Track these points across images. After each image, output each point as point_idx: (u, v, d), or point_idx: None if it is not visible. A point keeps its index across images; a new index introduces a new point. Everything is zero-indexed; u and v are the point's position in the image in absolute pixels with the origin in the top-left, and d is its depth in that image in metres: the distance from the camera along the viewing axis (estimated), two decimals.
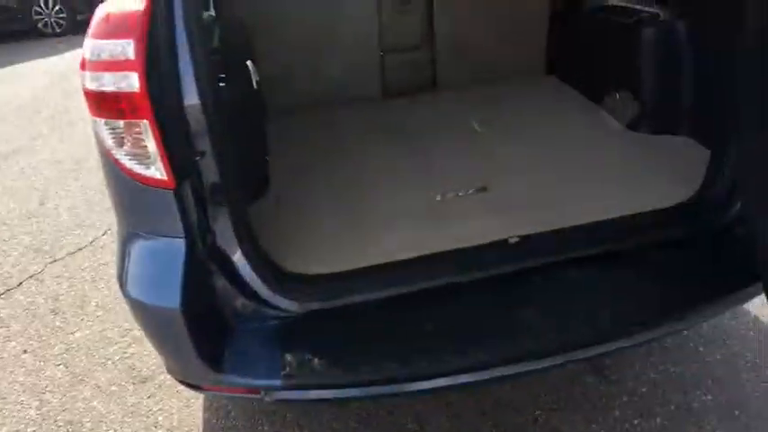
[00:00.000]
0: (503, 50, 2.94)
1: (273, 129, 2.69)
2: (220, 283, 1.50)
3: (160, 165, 1.29)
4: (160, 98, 1.26)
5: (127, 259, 1.44)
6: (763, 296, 1.64)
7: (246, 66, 2.61)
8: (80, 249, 3.31)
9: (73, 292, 2.93)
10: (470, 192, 2.05)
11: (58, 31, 9.49)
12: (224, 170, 1.44)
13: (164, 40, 1.27)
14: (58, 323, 2.72)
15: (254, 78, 2.74)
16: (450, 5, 2.83)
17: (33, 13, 9.49)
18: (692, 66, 2.14)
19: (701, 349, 2.34)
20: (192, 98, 1.35)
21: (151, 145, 1.27)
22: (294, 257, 1.74)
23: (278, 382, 1.41)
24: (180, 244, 1.37)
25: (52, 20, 9.55)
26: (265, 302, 1.55)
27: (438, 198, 2.03)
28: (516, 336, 1.51)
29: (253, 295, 1.54)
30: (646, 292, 1.65)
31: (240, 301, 1.53)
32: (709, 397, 2.12)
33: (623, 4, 2.45)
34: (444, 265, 1.68)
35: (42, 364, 2.48)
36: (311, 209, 2.05)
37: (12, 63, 7.98)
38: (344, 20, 2.76)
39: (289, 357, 1.46)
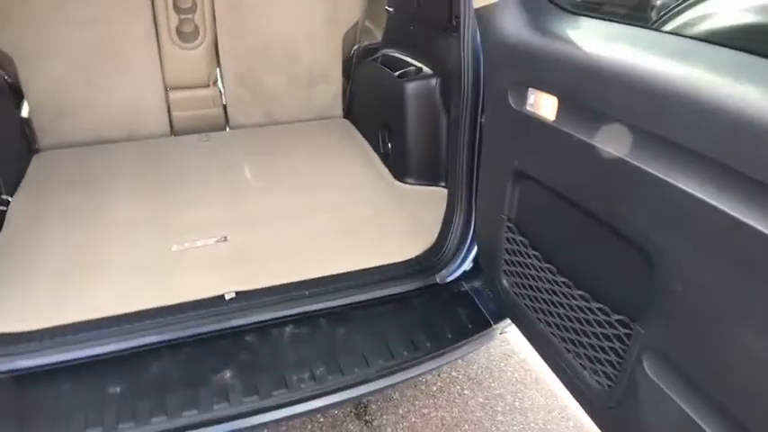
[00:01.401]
0: (297, 92, 2.93)
1: (38, 166, 2.50)
2: None
3: None
4: None
5: None
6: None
7: (10, 100, 2.42)
8: None
9: None
10: (210, 242, 1.97)
11: None
12: None
13: None
14: None
15: (24, 113, 2.55)
16: (239, 45, 2.78)
17: None
18: (446, 120, 2.23)
19: (465, 392, 2.41)
20: None
21: None
22: None
23: None
24: None
25: None
26: None
27: (174, 248, 1.94)
28: (209, 399, 1.44)
29: None
30: (365, 345, 1.66)
31: None
32: None
33: (400, 55, 2.52)
34: (148, 323, 1.59)
35: None
36: (36, 257, 1.89)
37: None
38: (122, 56, 2.62)
39: None
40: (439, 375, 2.46)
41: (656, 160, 0.98)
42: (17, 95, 2.58)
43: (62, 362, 1.52)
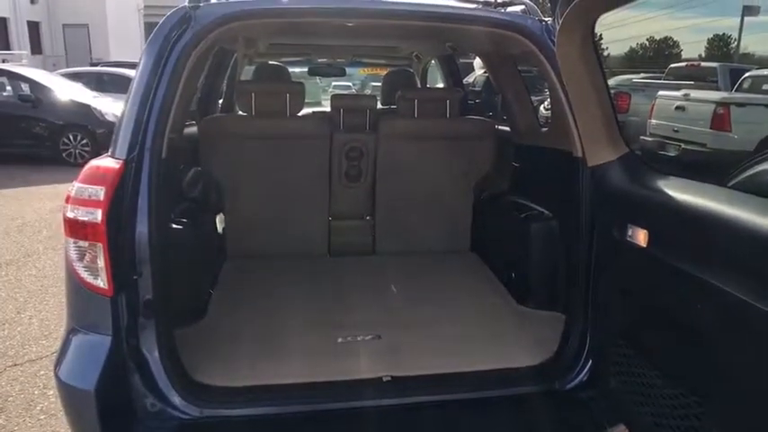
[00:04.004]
0: (434, 228, 3.48)
1: (230, 269, 3.17)
2: (136, 380, 1.86)
3: (104, 277, 1.74)
4: (116, 230, 1.74)
5: (64, 348, 1.82)
6: None
7: (213, 216, 3.18)
8: (40, 358, 3.59)
9: (23, 396, 3.18)
10: (367, 338, 2.43)
11: (80, 161, 10.31)
12: (157, 291, 1.88)
13: (129, 191, 1.79)
14: (1, 421, 2.96)
15: (220, 227, 3.29)
16: (391, 187, 3.42)
17: (61, 143, 10.48)
18: (565, 255, 2.63)
19: None
20: (142, 233, 1.83)
21: (101, 262, 1.73)
22: (205, 371, 2.10)
23: None
24: (107, 340, 1.77)
25: (77, 151, 10.48)
26: (171, 404, 1.90)
27: (339, 340, 2.41)
28: None
29: (161, 396, 1.89)
30: None
31: (149, 399, 1.88)
32: None
33: (523, 201, 3.03)
34: (321, 392, 2.04)
35: None
36: (235, 336, 2.43)
37: (29, 184, 8.72)
38: (301, 190, 3.35)
39: None
40: None
41: (717, 274, 1.40)
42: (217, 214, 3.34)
43: (254, 415, 1.98)
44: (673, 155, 8.85)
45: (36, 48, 24.90)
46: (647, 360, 1.77)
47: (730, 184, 1.66)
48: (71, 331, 1.86)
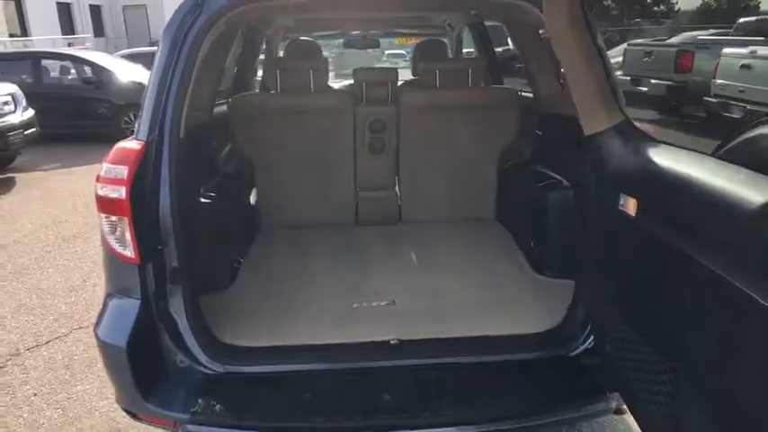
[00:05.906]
0: (459, 197, 3.55)
1: (261, 239, 3.37)
2: (165, 339, 2.07)
3: (131, 247, 1.94)
4: (139, 204, 1.94)
5: (102, 310, 2.06)
6: None
7: (244, 189, 3.37)
8: None
9: (86, 355, 3.52)
10: (382, 303, 2.57)
11: None
12: (183, 260, 2.07)
13: (151, 168, 1.98)
14: (67, 377, 3.30)
15: (252, 200, 3.49)
16: (414, 158, 3.51)
17: (122, 122, 11.04)
18: (582, 225, 2.65)
19: None
20: (165, 207, 2.02)
21: (128, 234, 1.93)
22: (230, 332, 2.30)
23: (187, 417, 1.94)
24: (136, 303, 1.98)
25: None
26: (197, 360, 2.11)
27: (354, 305, 2.56)
28: (371, 410, 1.99)
29: (189, 353, 2.10)
30: (495, 395, 2.10)
31: (178, 357, 2.09)
32: None
33: (545, 170, 3.05)
34: (332, 353, 2.21)
35: (45, 406, 3.04)
36: (259, 301, 2.62)
37: (94, 162, 9.25)
38: (328, 163, 3.49)
39: (200, 401, 1.99)
40: None
41: (695, 246, 1.43)
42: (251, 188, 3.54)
43: (271, 372, 2.17)
44: (738, 117, 8.40)
45: (99, 31, 25.96)
46: (633, 327, 1.82)
47: (722, 150, 1.64)
48: (108, 296, 2.09)
